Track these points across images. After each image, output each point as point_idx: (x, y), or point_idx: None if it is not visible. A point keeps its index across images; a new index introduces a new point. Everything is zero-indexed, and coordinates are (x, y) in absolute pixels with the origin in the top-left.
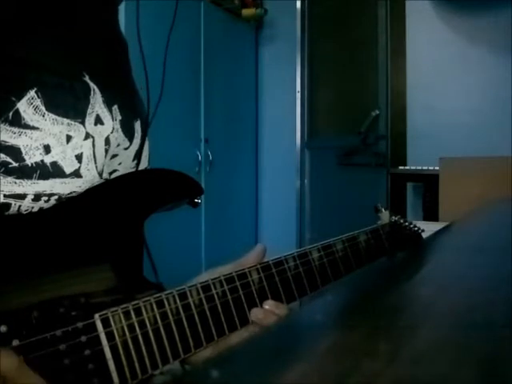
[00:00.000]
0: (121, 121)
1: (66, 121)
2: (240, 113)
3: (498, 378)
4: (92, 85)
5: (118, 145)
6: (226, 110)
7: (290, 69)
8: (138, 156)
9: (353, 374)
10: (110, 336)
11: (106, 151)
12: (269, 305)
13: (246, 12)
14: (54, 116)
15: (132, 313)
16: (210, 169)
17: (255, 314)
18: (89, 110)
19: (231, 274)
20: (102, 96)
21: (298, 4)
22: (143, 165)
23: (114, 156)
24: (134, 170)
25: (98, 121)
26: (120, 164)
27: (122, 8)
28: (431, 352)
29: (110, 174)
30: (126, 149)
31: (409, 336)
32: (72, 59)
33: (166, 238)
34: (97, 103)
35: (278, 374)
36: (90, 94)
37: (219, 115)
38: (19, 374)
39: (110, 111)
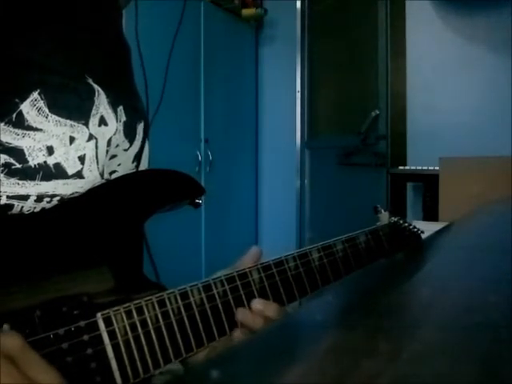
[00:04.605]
0: (125, 122)
1: (69, 122)
2: (240, 113)
3: (499, 378)
4: (96, 86)
5: (117, 145)
6: (226, 110)
7: (290, 69)
8: (137, 158)
9: (353, 374)
10: (111, 335)
11: (107, 152)
12: (257, 304)
13: (245, 12)
14: (57, 117)
15: (134, 312)
16: (210, 169)
17: (242, 316)
18: (93, 112)
19: (232, 273)
20: (107, 97)
21: (298, 4)
22: (143, 167)
23: (113, 157)
24: (133, 171)
25: (102, 122)
26: (119, 165)
27: None
28: (431, 352)
29: (110, 174)
30: (125, 150)
31: (409, 336)
32: (75, 61)
33: (165, 238)
34: (101, 104)
35: (279, 373)
36: (94, 95)
37: (219, 115)
38: (24, 353)
39: (115, 112)
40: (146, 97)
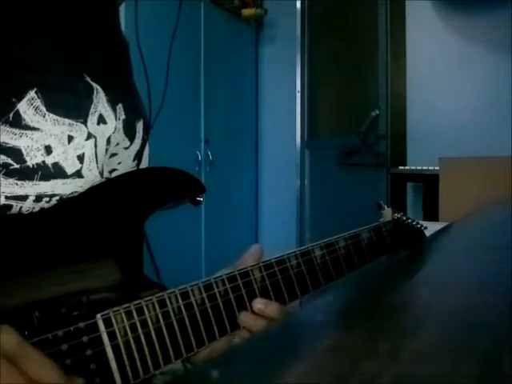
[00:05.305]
0: (124, 120)
1: (67, 121)
2: (240, 113)
3: (499, 379)
4: (94, 85)
5: (117, 144)
6: (226, 110)
7: (290, 69)
8: (138, 156)
9: (353, 374)
10: (111, 336)
11: (107, 151)
12: (258, 304)
13: (246, 12)
14: (54, 116)
15: (134, 312)
16: (209, 169)
17: (244, 319)
18: (91, 110)
19: (233, 272)
20: (106, 95)
21: (298, 4)
22: (144, 165)
23: (113, 155)
24: (134, 169)
25: (101, 120)
26: (120, 163)
27: (121, 9)
28: (432, 352)
29: (110, 173)
30: (125, 148)
31: (409, 336)
32: (72, 60)
33: (165, 237)
34: (100, 102)
35: (279, 374)
36: (92, 93)
37: (219, 115)
38: (21, 350)
39: (114, 110)
40: (149, 97)
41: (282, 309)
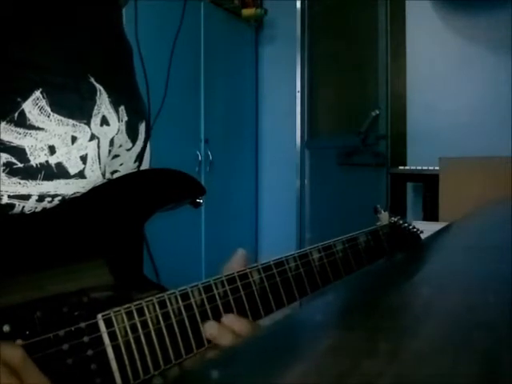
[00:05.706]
0: (127, 122)
1: (71, 122)
2: (240, 113)
3: (499, 379)
4: (98, 86)
5: (120, 145)
6: (226, 110)
7: (290, 69)
8: (139, 158)
9: (353, 374)
10: (112, 336)
11: (110, 152)
12: (228, 320)
13: (246, 12)
14: (59, 117)
15: (134, 313)
16: (209, 169)
17: (209, 329)
18: (95, 111)
19: (233, 274)
20: (109, 97)
21: (298, 4)
22: (145, 166)
23: (116, 156)
24: (135, 170)
25: (104, 122)
26: (121, 165)
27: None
28: (432, 352)
29: (112, 174)
30: (128, 150)
31: (409, 336)
32: (76, 61)
33: (165, 238)
34: (103, 104)
35: (279, 374)
36: (96, 95)
37: (219, 115)
38: (24, 365)
39: (117, 112)
40: (148, 98)
41: (253, 326)
